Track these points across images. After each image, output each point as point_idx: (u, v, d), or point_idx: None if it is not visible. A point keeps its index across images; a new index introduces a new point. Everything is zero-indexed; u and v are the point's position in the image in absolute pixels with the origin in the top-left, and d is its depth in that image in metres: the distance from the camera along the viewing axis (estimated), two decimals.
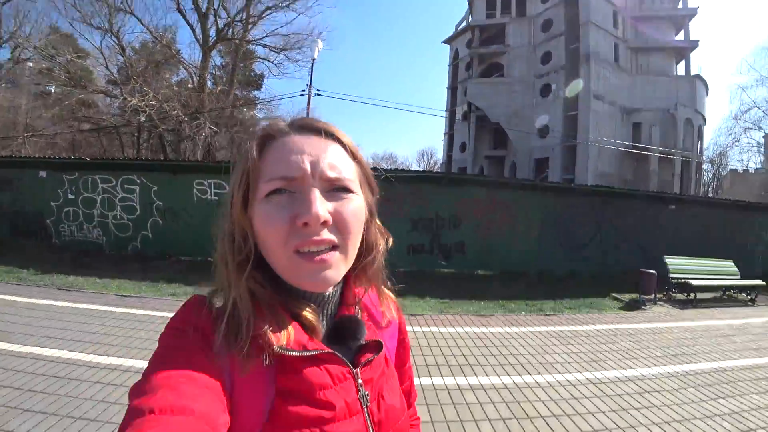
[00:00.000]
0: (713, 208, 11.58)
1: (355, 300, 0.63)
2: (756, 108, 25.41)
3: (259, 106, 19.28)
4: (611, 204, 9.87)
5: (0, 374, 3.08)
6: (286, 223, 0.49)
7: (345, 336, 0.59)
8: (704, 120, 32.95)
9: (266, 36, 17.03)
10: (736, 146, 28.39)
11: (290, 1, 17.05)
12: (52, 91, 18.96)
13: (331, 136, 0.56)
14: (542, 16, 33.28)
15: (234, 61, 17.14)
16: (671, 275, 7.98)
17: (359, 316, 0.63)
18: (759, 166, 33.79)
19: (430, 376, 3.63)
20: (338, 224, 0.51)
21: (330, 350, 0.54)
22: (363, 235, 0.59)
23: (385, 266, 0.67)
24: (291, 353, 0.50)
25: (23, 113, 19.08)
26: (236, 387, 0.49)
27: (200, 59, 16.64)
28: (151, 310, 4.90)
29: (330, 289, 0.58)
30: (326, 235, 0.50)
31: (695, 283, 7.83)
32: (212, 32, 16.78)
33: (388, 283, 0.70)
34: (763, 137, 27.58)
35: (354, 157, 0.58)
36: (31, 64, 18.61)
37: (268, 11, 16.97)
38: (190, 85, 17.24)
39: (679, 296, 8.13)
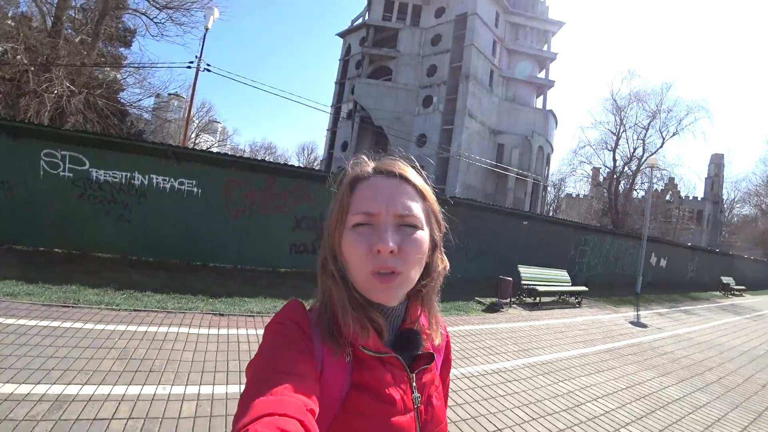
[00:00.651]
0: (554, 225, 13.86)
1: (416, 316, 0.72)
2: (589, 146, 30.94)
3: (128, 68, 16.39)
4: (477, 216, 11.05)
5: None
6: (365, 249, 0.61)
7: (406, 345, 0.69)
8: (552, 149, 38.95)
9: None
10: (573, 175, 34.24)
11: None
12: None
13: (405, 179, 0.68)
14: (433, 29, 35.35)
15: (103, 7, 14.20)
16: (523, 282, 9.37)
17: (418, 329, 0.71)
18: (587, 193, 41.22)
19: None
20: (403, 254, 0.62)
21: (396, 355, 0.66)
22: (427, 262, 0.69)
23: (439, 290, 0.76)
24: (368, 352, 0.64)
25: None
26: (324, 374, 0.62)
27: None
28: None
29: (395, 304, 0.69)
30: (391, 261, 0.61)
31: (540, 288, 9.36)
32: None
33: (439, 305, 0.77)
34: (591, 170, 33.79)
35: (423, 196, 0.69)
36: None
37: None
38: (35, 24, 14.02)
39: (528, 300, 9.59)
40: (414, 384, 0.68)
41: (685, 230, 49.23)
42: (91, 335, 3.83)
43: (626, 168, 29.78)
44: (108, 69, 15.90)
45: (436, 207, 0.73)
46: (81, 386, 2.88)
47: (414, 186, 0.68)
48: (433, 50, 34.87)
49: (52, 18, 13.52)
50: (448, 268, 0.75)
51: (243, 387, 0.56)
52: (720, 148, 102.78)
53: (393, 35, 36.27)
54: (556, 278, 10.56)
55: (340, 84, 42.05)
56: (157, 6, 14.91)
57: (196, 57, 11.50)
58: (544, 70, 38.49)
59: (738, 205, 55.39)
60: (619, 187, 30.18)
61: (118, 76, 16.99)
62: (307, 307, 0.72)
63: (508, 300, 8.76)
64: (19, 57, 11.11)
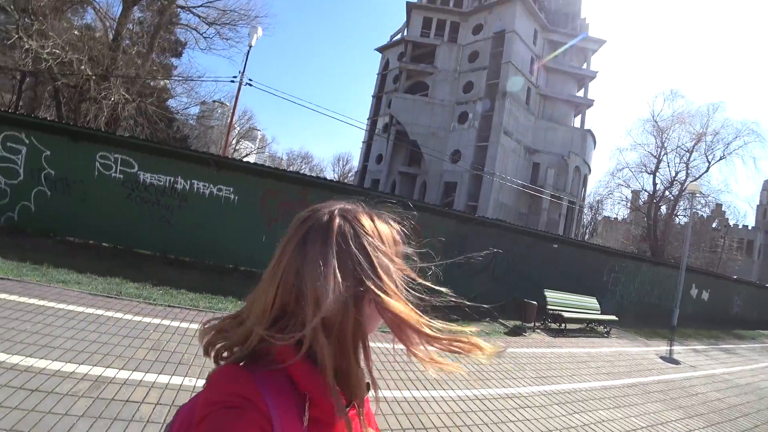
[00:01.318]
0: (586, 250, 13.47)
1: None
2: (627, 168, 29.87)
3: (178, 80, 17.59)
4: (506, 237, 10.96)
5: None
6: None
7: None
8: (589, 170, 38.00)
9: (201, 5, 15.75)
10: (610, 198, 33.05)
11: None
12: None
13: None
14: (471, 46, 35.50)
15: (159, 23, 15.46)
16: (548, 307, 9.17)
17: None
18: (625, 216, 39.78)
19: None
20: None
21: (351, 403, 0.64)
22: None
23: None
24: (341, 413, 0.59)
25: None
26: None
27: (120, 12, 14.73)
28: (37, 299, 4.35)
29: None
30: None
31: (566, 315, 9.14)
32: None
33: None
34: (631, 193, 32.61)
35: None
36: None
37: None
38: (98, 35, 15.23)
39: (553, 325, 9.38)
40: (362, 418, 0.68)
41: (732, 261, 46.43)
42: (129, 325, 4.16)
43: (667, 192, 28.52)
44: (160, 78, 17.08)
45: None
46: (118, 370, 3.18)
47: None
48: (470, 67, 34.99)
49: (113, 31, 14.71)
50: None
51: None
52: None
53: (430, 51, 36.71)
54: (585, 305, 10.24)
55: (377, 98, 42.80)
56: (207, 22, 16.13)
57: (240, 72, 12.25)
58: (582, 89, 37.81)
59: None
60: (659, 213, 28.91)
61: (168, 84, 18.16)
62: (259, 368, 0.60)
63: (532, 324, 8.63)
64: (83, 67, 12.16)
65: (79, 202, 7.57)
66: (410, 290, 0.68)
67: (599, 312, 10.37)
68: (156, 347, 3.77)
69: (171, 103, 18.27)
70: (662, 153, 28.09)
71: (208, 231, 8.05)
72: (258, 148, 53.10)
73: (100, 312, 4.36)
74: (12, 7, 12.78)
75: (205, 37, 16.55)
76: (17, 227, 7.40)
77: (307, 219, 0.65)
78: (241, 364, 0.62)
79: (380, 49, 44.12)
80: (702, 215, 32.99)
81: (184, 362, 3.59)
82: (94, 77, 12.35)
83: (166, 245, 7.93)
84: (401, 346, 0.63)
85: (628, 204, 33.61)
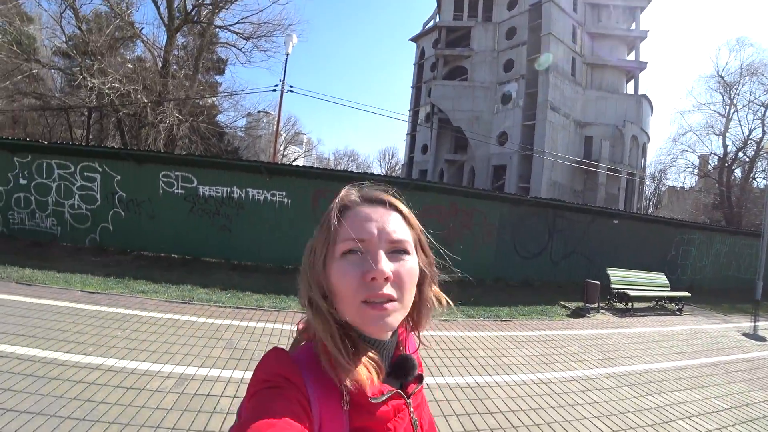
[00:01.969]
0: (650, 224, 12.68)
1: (405, 343, 0.75)
2: (691, 132, 27.58)
3: (224, 96, 18.63)
4: (562, 216, 10.59)
5: None
6: (357, 277, 0.59)
7: (403, 373, 0.69)
8: (648, 138, 35.39)
9: (237, 23, 16.52)
10: (674, 166, 30.74)
11: None
12: None
13: (392, 207, 0.68)
14: (507, 23, 34.02)
15: (201, 45, 16.48)
16: (612, 286, 8.75)
17: (410, 355, 0.72)
18: (692, 185, 36.81)
19: None
20: (397, 280, 0.60)
21: (396, 390, 0.65)
22: (417, 291, 0.68)
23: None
24: (376, 401, 0.61)
25: None
26: (323, 430, 0.57)
27: (165, 41, 15.87)
28: (123, 308, 4.87)
29: (388, 337, 0.67)
30: (387, 289, 0.59)
31: (632, 293, 8.67)
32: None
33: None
34: (698, 159, 30.08)
35: (410, 224, 0.68)
36: None
37: None
38: (148, 65, 16.43)
39: (618, 305, 8.94)
40: (412, 409, 0.68)
41: None
42: (203, 327, 4.54)
43: (741, 154, 25.91)
44: (207, 96, 18.16)
45: (423, 237, 0.72)
46: (197, 368, 3.50)
47: (402, 213, 0.68)
48: (509, 44, 33.63)
49: (161, 60, 15.81)
50: (444, 300, 0.75)
51: None
52: None
53: (465, 34, 35.74)
54: (652, 282, 9.64)
55: (417, 88, 42.38)
56: (244, 37, 16.86)
57: (280, 80, 12.76)
58: (633, 52, 35.20)
59: None
60: (733, 177, 26.38)
61: (216, 101, 19.20)
62: (289, 352, 0.66)
63: (595, 305, 8.28)
64: (139, 96, 13.25)
65: (149, 219, 8.28)
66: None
67: (669, 288, 9.73)
68: (229, 346, 4.10)
69: (220, 118, 19.47)
70: (732, 111, 25.52)
71: (265, 235, 8.50)
72: (305, 152, 54.56)
73: (177, 317, 4.79)
74: (74, 51, 14.12)
75: (244, 52, 17.43)
76: (100, 247, 8.25)
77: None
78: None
79: (414, 39, 43.59)
80: None
81: (255, 358, 3.86)
82: (149, 104, 13.46)
83: (229, 252, 8.47)
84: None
85: (696, 170, 30.98)
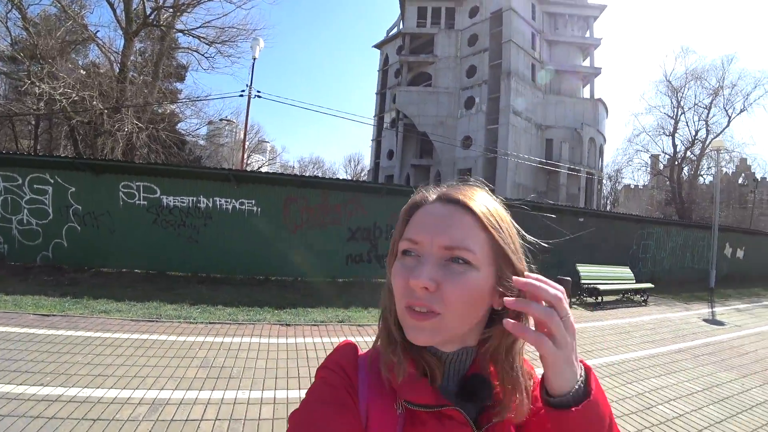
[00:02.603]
0: (612, 221, 13.22)
1: (483, 364, 0.62)
2: (645, 133, 29.24)
3: (186, 102, 17.86)
4: (529, 215, 10.80)
5: None
6: (405, 280, 0.54)
7: (471, 395, 0.59)
8: (604, 139, 37.11)
9: (200, 27, 15.84)
10: (630, 165, 32.47)
11: None
12: None
13: (463, 206, 0.58)
14: (469, 30, 34.95)
15: (160, 50, 15.67)
16: (582, 281, 9.06)
17: (487, 376, 0.61)
18: (646, 183, 38.84)
19: None
20: (442, 293, 0.53)
21: (454, 407, 0.56)
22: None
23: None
24: (415, 407, 0.55)
25: None
26: (370, 428, 0.55)
27: (122, 45, 15.00)
28: (83, 331, 4.48)
29: (453, 348, 0.60)
30: (427, 300, 0.53)
31: (602, 287, 9.00)
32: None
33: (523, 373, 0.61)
34: (650, 159, 31.85)
35: (487, 229, 0.57)
36: None
37: None
38: (104, 70, 15.59)
39: (589, 299, 9.25)
40: None
41: (765, 216, 44.87)
42: (174, 346, 4.26)
43: (688, 153, 27.70)
44: (167, 104, 17.39)
45: (513, 244, 0.61)
46: (172, 391, 3.25)
47: (475, 215, 0.57)
48: (471, 51, 34.48)
49: (118, 65, 15.03)
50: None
51: None
52: None
53: (429, 40, 36.36)
54: (619, 276, 10.09)
55: (381, 94, 42.53)
56: (207, 42, 16.18)
57: (247, 85, 12.36)
58: (588, 58, 36.91)
59: None
60: (682, 174, 28.10)
61: (177, 108, 18.47)
62: (363, 349, 0.65)
63: (567, 300, 8.47)
64: (95, 103, 12.49)
65: (109, 233, 7.78)
66: None
67: (634, 281, 10.20)
68: (204, 364, 3.85)
69: (181, 126, 18.61)
70: (679, 113, 27.41)
71: (235, 245, 8.19)
72: (269, 160, 53.63)
73: (144, 336, 4.47)
74: (21, 55, 13.19)
75: (207, 57, 16.67)
76: (54, 265, 7.66)
77: None
78: None
79: (378, 46, 43.80)
80: (727, 172, 31.99)
81: (234, 376, 3.64)
82: (106, 111, 12.67)
83: (197, 264, 8.10)
84: None
85: (649, 169, 32.82)
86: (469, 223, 0.57)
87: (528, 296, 0.50)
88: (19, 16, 13.49)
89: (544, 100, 33.93)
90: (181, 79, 19.89)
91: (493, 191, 0.65)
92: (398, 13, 39.99)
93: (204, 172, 8.29)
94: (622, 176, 41.90)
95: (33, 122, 17.82)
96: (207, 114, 19.17)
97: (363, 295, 7.74)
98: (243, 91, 12.35)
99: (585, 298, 9.25)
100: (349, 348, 0.65)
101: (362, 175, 57.76)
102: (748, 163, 37.31)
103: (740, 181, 45.38)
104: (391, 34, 42.38)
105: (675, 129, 27.63)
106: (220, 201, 8.18)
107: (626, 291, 9.95)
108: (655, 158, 32.20)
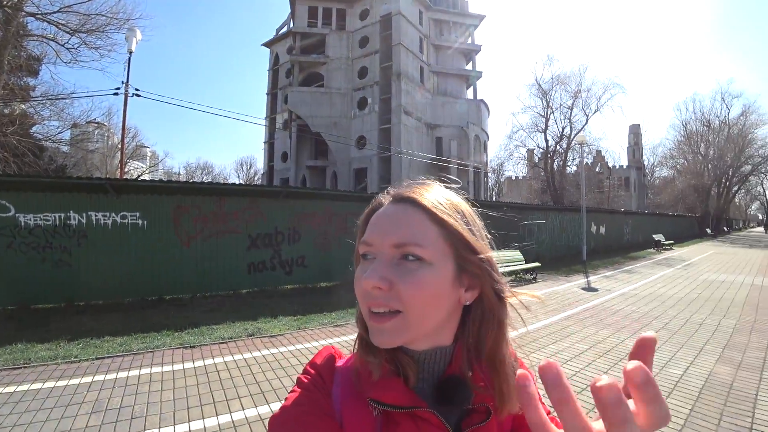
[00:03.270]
0: (499, 210, 14.46)
1: (461, 363, 0.58)
2: (522, 130, 32.88)
3: (42, 101, 15.00)
4: None
5: None
6: (361, 284, 0.53)
7: (447, 398, 0.56)
8: (488, 136, 40.67)
9: (58, 11, 13.18)
10: (510, 159, 36.11)
11: None
12: None
13: (413, 203, 0.56)
14: (360, 32, 35.57)
15: (5, 36, 12.66)
16: None
17: (467, 377, 0.57)
18: (525, 174, 43.55)
19: None
20: (398, 291, 0.51)
21: (428, 410, 0.53)
22: (473, 303, 0.58)
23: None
24: (385, 407, 0.53)
25: None
26: (346, 428, 0.54)
27: None
28: None
29: (425, 347, 0.57)
30: (385, 300, 0.51)
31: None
32: None
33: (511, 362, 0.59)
34: (526, 153, 35.78)
35: (439, 222, 0.55)
36: None
37: None
38: None
39: None
40: None
41: (617, 197, 53.33)
42: (54, 394, 3.54)
43: (558, 147, 31.80)
44: (17, 102, 14.51)
45: (474, 226, 0.60)
46: None
47: (425, 209, 0.55)
48: (362, 52, 35.08)
49: None
50: (502, 317, 0.59)
51: None
52: (637, 118, 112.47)
53: (320, 41, 36.09)
54: (511, 258, 11.15)
55: (273, 94, 41.12)
56: (68, 30, 13.70)
57: (123, 83, 10.81)
58: (470, 62, 40.06)
59: (657, 169, 60.92)
60: (554, 165, 32.13)
61: (31, 109, 15.59)
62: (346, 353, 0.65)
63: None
64: None
65: None
66: None
67: (524, 262, 11.34)
68: (97, 409, 3.25)
69: (38, 129, 15.64)
70: (549, 112, 31.36)
71: (119, 265, 7.18)
72: (150, 167, 48.56)
73: (10, 389, 3.62)
74: None
75: (68, 48, 14.01)
76: None
77: None
78: None
79: (267, 44, 42.19)
80: (587, 162, 37.37)
81: (138, 415, 3.14)
82: None
83: (72, 292, 6.90)
84: None
85: (526, 162, 36.90)
86: (420, 218, 0.55)
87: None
88: None
89: (432, 100, 35.98)
90: (34, 73, 16.70)
91: (451, 189, 0.64)
92: (288, 11, 39.01)
93: (73, 183, 7.07)
94: (504, 169, 46.55)
95: None
96: (71, 115, 16.54)
97: (271, 304, 7.45)
98: (118, 89, 10.78)
99: None
100: (326, 351, 0.65)
101: (256, 179, 55.49)
102: (602, 154, 43.93)
103: (597, 169, 53.32)
104: (281, 32, 41.19)
105: (546, 126, 31.60)
106: (96, 215, 7.08)
107: (518, 272, 10.98)
108: (530, 152, 36.37)
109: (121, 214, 7.26)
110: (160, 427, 2.98)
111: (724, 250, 22.05)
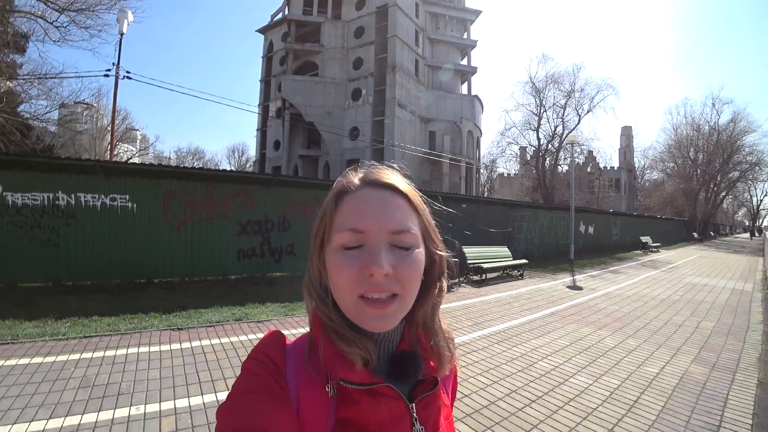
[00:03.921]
0: (490, 206, 14.66)
1: (414, 338, 0.63)
2: (514, 127, 33.00)
3: (30, 79, 14.68)
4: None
5: None
6: (355, 271, 0.53)
7: (403, 371, 0.60)
8: (481, 132, 40.83)
9: None
10: (503, 156, 36.35)
11: None
12: None
13: (398, 191, 0.59)
14: (356, 22, 35.33)
15: None
16: (468, 261, 9.99)
17: (417, 352, 0.62)
18: (517, 171, 43.86)
19: None
20: (399, 276, 0.54)
21: (386, 384, 0.56)
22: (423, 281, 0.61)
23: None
24: (350, 385, 0.55)
25: None
26: (302, 413, 0.55)
27: None
28: None
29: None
30: (387, 285, 0.53)
31: (485, 266, 10.00)
32: None
33: (444, 328, 0.67)
34: (519, 150, 36.06)
35: (418, 211, 0.61)
36: None
37: None
38: None
39: (475, 278, 10.21)
40: (415, 415, 0.59)
41: (607, 198, 53.95)
42: (42, 369, 3.59)
43: (549, 145, 32.03)
44: (3, 79, 14.21)
45: (431, 220, 0.65)
46: (45, 421, 2.74)
47: (407, 198, 0.60)
48: (358, 43, 34.89)
49: None
50: (445, 290, 0.65)
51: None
52: (628, 120, 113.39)
53: (315, 29, 35.78)
54: (498, 255, 11.32)
55: (266, 82, 40.62)
56: (56, 8, 13.41)
57: (113, 64, 10.68)
58: (466, 58, 40.02)
59: (648, 171, 61.77)
60: (545, 164, 32.37)
61: (18, 86, 15.30)
62: (291, 338, 0.64)
63: (456, 280, 9.23)
64: None
65: None
66: None
67: (511, 258, 11.56)
68: (84, 384, 3.31)
69: (25, 108, 15.36)
70: (542, 111, 31.45)
71: (107, 247, 7.18)
72: (140, 150, 47.91)
73: None
74: None
75: (56, 27, 13.68)
76: None
77: None
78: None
79: (262, 31, 41.58)
80: (579, 162, 37.69)
81: (124, 392, 3.22)
82: None
83: (59, 271, 6.90)
84: None
85: (518, 159, 37.14)
86: (405, 205, 0.59)
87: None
88: None
89: (426, 94, 35.95)
90: (21, 50, 16.35)
91: (409, 177, 0.66)
92: None
93: (63, 164, 7.02)
94: (496, 166, 46.92)
95: None
96: (60, 95, 16.28)
97: (258, 290, 7.54)
98: (109, 70, 10.66)
99: (471, 277, 10.20)
100: (275, 337, 0.63)
101: (248, 166, 55.11)
102: (594, 155, 44.36)
103: (588, 169, 53.83)
104: (276, 19, 40.63)
105: (539, 125, 31.81)
106: (85, 197, 7.05)
107: (505, 267, 11.15)
108: (522, 150, 36.60)
109: (111, 196, 7.24)
110: (146, 404, 3.05)
111: (709, 255, 22.55)
